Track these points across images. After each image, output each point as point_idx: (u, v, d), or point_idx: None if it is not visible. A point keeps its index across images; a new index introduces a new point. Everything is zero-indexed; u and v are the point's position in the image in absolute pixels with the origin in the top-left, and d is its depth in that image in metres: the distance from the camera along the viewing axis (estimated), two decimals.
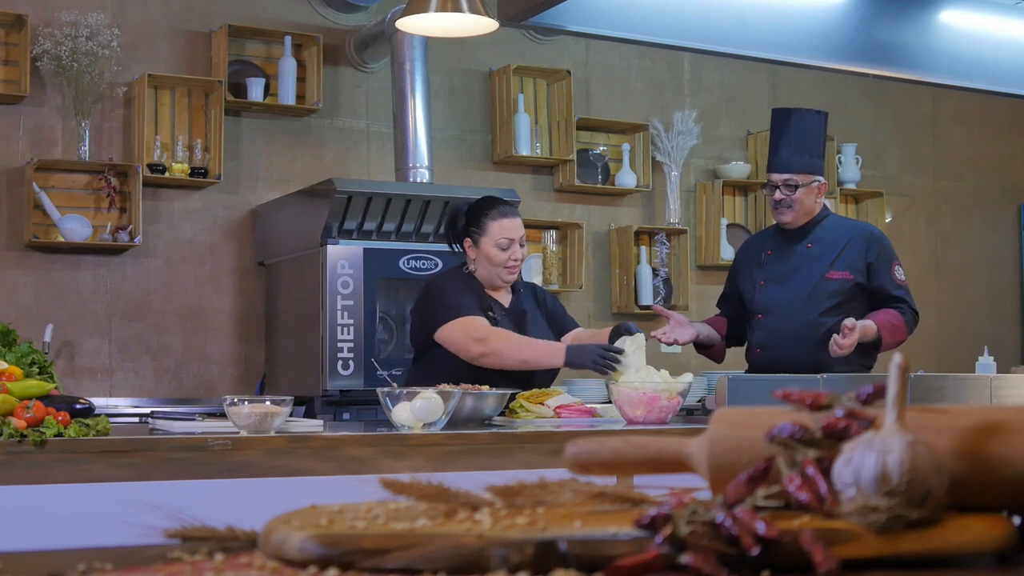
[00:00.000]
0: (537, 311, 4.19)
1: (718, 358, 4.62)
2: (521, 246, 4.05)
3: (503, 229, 4.01)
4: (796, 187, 4.32)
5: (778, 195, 4.34)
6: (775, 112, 4.52)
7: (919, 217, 7.65)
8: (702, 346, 4.53)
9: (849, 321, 4.11)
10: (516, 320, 4.06)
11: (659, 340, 4.27)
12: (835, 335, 4.12)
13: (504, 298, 4.11)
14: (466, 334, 3.88)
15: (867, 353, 4.30)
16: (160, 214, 5.67)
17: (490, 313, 3.98)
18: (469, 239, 4.05)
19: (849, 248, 4.37)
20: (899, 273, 4.43)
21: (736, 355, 4.68)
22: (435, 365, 3.94)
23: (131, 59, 5.59)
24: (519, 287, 4.19)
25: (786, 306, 4.35)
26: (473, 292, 4.01)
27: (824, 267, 4.35)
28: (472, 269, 4.07)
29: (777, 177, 4.35)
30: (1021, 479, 0.88)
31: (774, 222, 4.55)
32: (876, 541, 0.84)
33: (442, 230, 4.83)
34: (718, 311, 4.67)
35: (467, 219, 4.08)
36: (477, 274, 4.06)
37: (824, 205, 4.47)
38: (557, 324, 4.20)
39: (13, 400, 2.68)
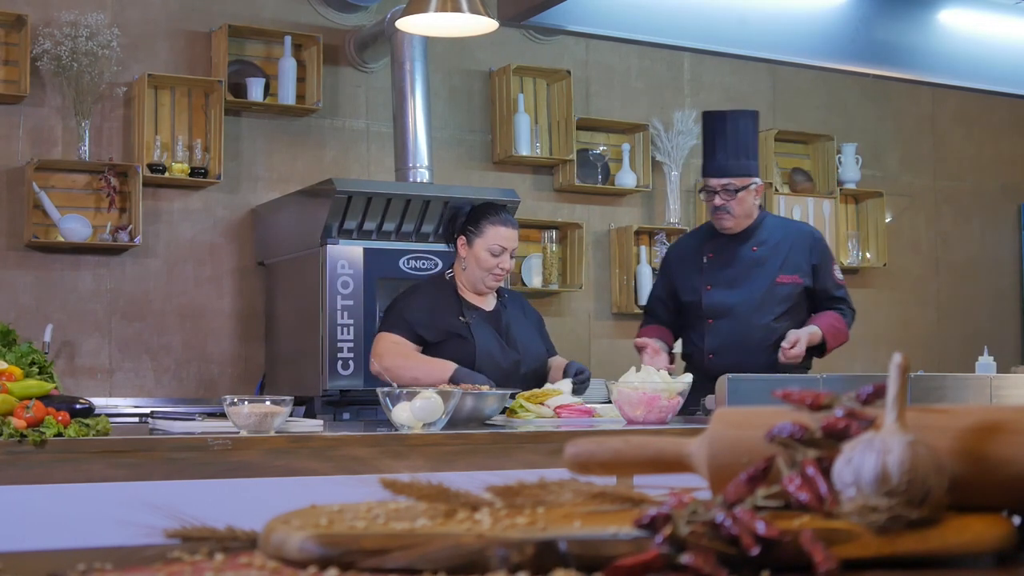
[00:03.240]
0: (523, 319, 4.23)
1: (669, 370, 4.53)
2: (511, 257, 4.11)
3: (499, 236, 4.07)
4: (735, 191, 4.29)
5: (718, 200, 4.30)
6: (706, 115, 4.48)
7: (919, 217, 7.65)
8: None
9: (792, 335, 4.15)
10: (496, 324, 4.11)
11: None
12: (783, 345, 4.14)
13: (487, 303, 4.16)
14: (375, 348, 4.05)
15: (810, 356, 4.32)
16: (160, 214, 5.67)
17: (461, 318, 4.05)
18: (464, 238, 4.11)
19: (793, 251, 4.37)
20: (838, 273, 4.46)
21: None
22: None
23: (131, 59, 5.59)
24: (504, 293, 4.23)
25: (739, 311, 4.32)
26: (436, 304, 4.07)
27: (774, 271, 4.34)
28: (462, 268, 4.12)
29: (715, 182, 4.30)
30: (1021, 479, 0.88)
31: (707, 222, 4.52)
32: (876, 541, 0.84)
33: (440, 226, 4.88)
34: (645, 315, 4.60)
35: (467, 219, 4.14)
36: (463, 275, 4.11)
37: (761, 206, 4.44)
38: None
39: (13, 400, 2.68)
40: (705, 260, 4.42)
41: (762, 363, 4.18)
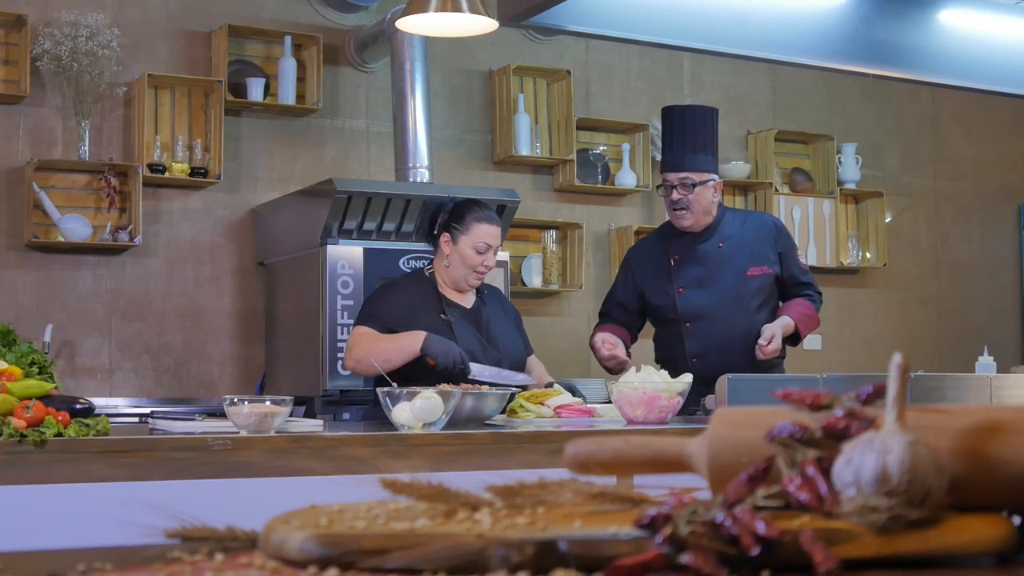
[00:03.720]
0: (503, 315, 4.21)
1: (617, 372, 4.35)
2: (494, 255, 4.07)
3: (485, 233, 4.03)
4: (693, 186, 4.25)
5: (675, 195, 4.26)
6: (666, 110, 4.45)
7: (919, 217, 7.65)
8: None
9: (767, 331, 4.13)
10: (476, 321, 4.08)
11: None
12: (759, 342, 4.12)
13: (467, 300, 4.12)
14: (347, 345, 4.00)
15: (784, 345, 4.30)
16: (160, 214, 5.67)
17: (443, 316, 4.01)
18: (448, 235, 4.05)
19: (759, 241, 4.34)
20: (802, 258, 4.44)
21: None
22: None
23: (131, 59, 5.59)
24: (483, 290, 4.20)
25: (715, 311, 4.29)
26: (415, 300, 4.02)
27: (743, 265, 4.31)
28: (445, 265, 4.07)
29: (673, 176, 4.27)
30: (1021, 479, 0.88)
31: (664, 223, 4.48)
32: (876, 541, 0.84)
33: (420, 223, 4.87)
34: (600, 317, 4.54)
35: (451, 216, 4.08)
36: (446, 272, 4.06)
37: (720, 203, 4.40)
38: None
39: (13, 400, 2.68)
40: (672, 262, 4.36)
41: (747, 360, 4.15)
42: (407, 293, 4.04)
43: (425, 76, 5.71)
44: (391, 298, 4.03)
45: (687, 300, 4.32)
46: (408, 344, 3.81)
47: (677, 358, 4.31)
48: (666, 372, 3.61)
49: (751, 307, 4.29)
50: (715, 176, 4.31)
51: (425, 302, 4.02)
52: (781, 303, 4.38)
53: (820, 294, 4.41)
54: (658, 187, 4.45)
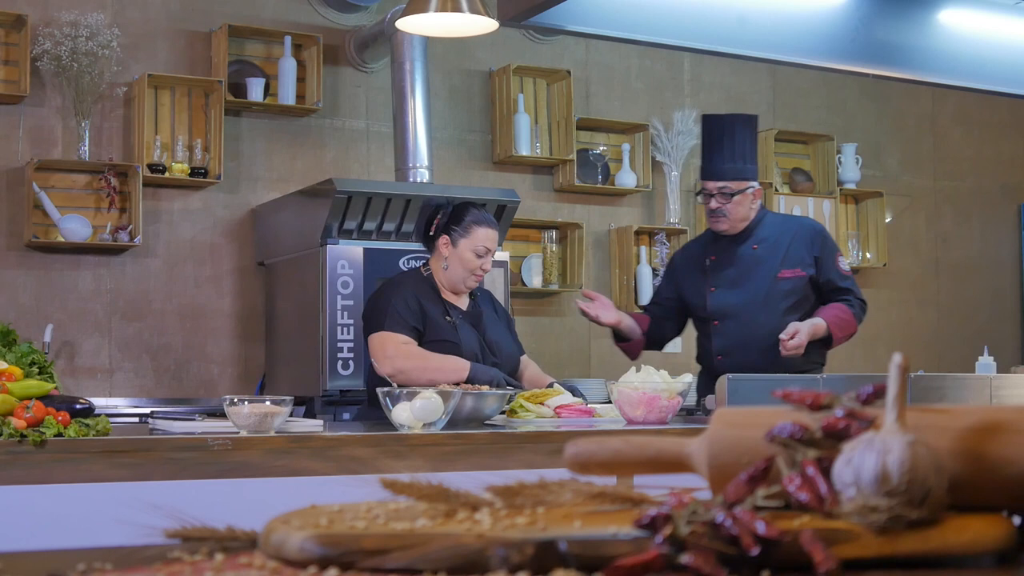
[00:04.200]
0: (496, 318, 4.22)
1: (633, 354, 4.58)
2: (491, 259, 4.10)
3: (485, 237, 4.04)
4: (731, 195, 4.31)
5: (713, 204, 4.33)
6: (705, 119, 4.51)
7: (919, 217, 7.65)
8: (621, 338, 4.52)
9: (791, 327, 4.14)
10: (474, 322, 4.09)
11: (583, 311, 4.32)
12: (781, 337, 4.13)
13: (462, 302, 4.14)
14: (381, 349, 3.95)
15: (819, 350, 4.32)
16: (160, 214, 5.67)
17: (447, 318, 4.02)
18: (447, 237, 4.06)
19: (794, 244, 4.37)
20: (843, 264, 4.45)
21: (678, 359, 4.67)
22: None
23: (131, 59, 5.59)
24: (476, 293, 4.21)
25: (743, 310, 4.34)
26: (424, 298, 4.02)
27: (775, 267, 4.35)
28: (443, 267, 4.07)
29: (712, 185, 4.33)
30: (1021, 479, 0.88)
31: (708, 229, 4.54)
32: (876, 541, 0.84)
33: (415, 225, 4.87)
34: (641, 311, 4.67)
35: (450, 218, 4.08)
36: (444, 274, 4.07)
37: (760, 205, 4.45)
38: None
39: (13, 400, 2.68)
40: (708, 263, 4.45)
41: (771, 361, 4.18)
42: (414, 293, 4.04)
43: (425, 76, 5.71)
44: (407, 296, 4.01)
45: (717, 299, 4.39)
46: (455, 372, 3.83)
47: (705, 355, 4.46)
48: (666, 372, 3.62)
49: (780, 308, 4.32)
50: (754, 183, 4.36)
51: (431, 303, 4.04)
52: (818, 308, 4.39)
53: (863, 301, 4.40)
54: (697, 193, 4.55)
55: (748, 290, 4.35)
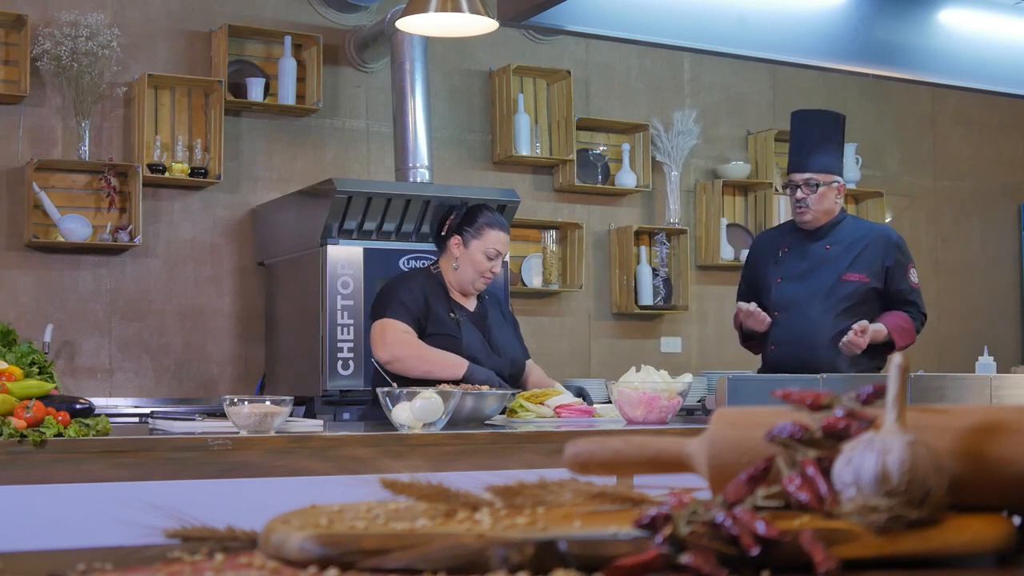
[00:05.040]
0: (503, 321, 4.24)
1: (760, 350, 4.64)
2: (502, 263, 4.13)
3: (496, 240, 4.08)
4: (817, 186, 4.41)
5: (799, 194, 4.43)
6: (795, 114, 4.62)
7: (919, 217, 7.65)
8: (749, 337, 4.59)
9: (860, 324, 4.22)
10: (480, 324, 4.11)
11: (748, 327, 4.42)
12: (848, 333, 4.21)
13: (469, 303, 4.16)
14: (381, 336, 3.94)
15: (876, 355, 4.39)
16: (160, 214, 5.67)
17: (452, 315, 4.03)
18: (459, 237, 4.08)
19: (867, 251, 4.46)
20: (914, 276, 4.53)
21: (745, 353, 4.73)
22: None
23: (131, 59, 5.59)
24: (484, 295, 4.22)
25: (802, 305, 4.42)
26: (430, 294, 4.03)
27: (842, 269, 4.43)
28: (453, 267, 4.09)
29: (798, 176, 4.44)
30: (1021, 479, 0.88)
31: (790, 219, 4.63)
32: (876, 541, 0.84)
33: (429, 225, 4.87)
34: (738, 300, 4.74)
35: (463, 219, 4.11)
36: (454, 274, 4.09)
37: (842, 208, 4.55)
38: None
39: (13, 400, 2.68)
40: (780, 254, 4.54)
41: (820, 357, 4.27)
42: (424, 286, 4.06)
43: (425, 76, 5.71)
44: (413, 289, 4.03)
45: (781, 290, 4.48)
46: (452, 368, 3.84)
47: (762, 344, 4.54)
48: (666, 372, 3.62)
49: (837, 309, 4.39)
50: (839, 178, 4.48)
51: (438, 299, 4.05)
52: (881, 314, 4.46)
53: (924, 316, 4.50)
54: (784, 187, 4.66)
55: (811, 286, 4.43)
